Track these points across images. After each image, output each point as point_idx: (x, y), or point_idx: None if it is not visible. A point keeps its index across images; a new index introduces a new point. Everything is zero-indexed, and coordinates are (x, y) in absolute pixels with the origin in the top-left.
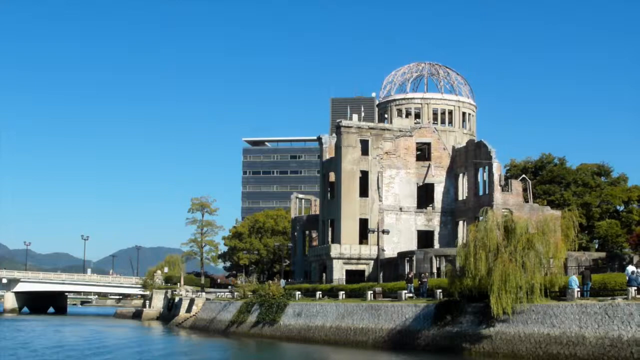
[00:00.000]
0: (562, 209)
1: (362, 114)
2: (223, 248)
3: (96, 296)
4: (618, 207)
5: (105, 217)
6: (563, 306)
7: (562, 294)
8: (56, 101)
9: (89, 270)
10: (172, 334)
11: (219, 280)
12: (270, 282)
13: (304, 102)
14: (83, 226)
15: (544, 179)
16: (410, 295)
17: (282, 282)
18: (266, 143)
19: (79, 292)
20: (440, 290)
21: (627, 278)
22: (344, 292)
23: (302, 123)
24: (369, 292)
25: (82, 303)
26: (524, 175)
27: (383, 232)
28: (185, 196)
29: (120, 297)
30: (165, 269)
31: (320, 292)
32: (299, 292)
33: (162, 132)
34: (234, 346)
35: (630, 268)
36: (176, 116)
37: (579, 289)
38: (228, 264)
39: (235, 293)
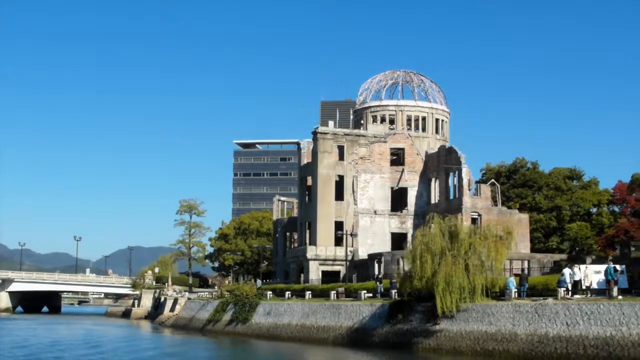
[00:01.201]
0: (533, 212)
1: (351, 117)
2: (210, 249)
3: (93, 296)
4: (591, 210)
5: (104, 216)
6: (500, 305)
7: (502, 294)
8: (53, 100)
9: (87, 270)
10: (150, 331)
11: (210, 281)
12: (244, 282)
13: (294, 105)
14: (83, 226)
15: (517, 183)
16: (370, 295)
17: (259, 282)
18: (257, 145)
19: (76, 292)
20: (395, 291)
21: (558, 280)
22: (310, 292)
23: (293, 126)
24: (333, 292)
25: (80, 303)
26: (493, 180)
27: (351, 235)
28: (181, 196)
29: (117, 297)
30: (157, 269)
31: (290, 292)
32: (271, 292)
33: (158, 132)
34: (201, 343)
35: (567, 270)
36: (170, 118)
37: (516, 290)
38: (215, 264)
39: (213, 293)
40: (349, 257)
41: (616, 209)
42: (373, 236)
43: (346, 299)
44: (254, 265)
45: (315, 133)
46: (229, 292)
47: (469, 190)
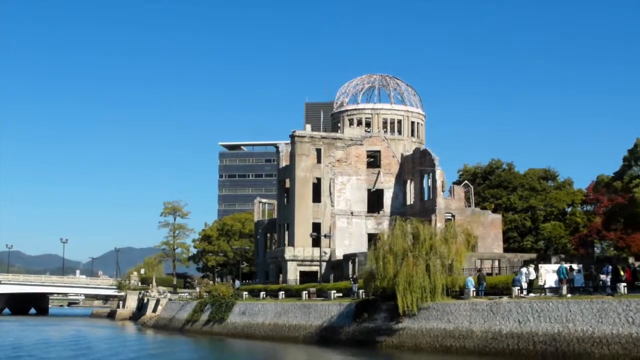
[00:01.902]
0: (508, 212)
1: (329, 120)
2: (194, 250)
3: (83, 297)
4: (566, 210)
5: (96, 218)
6: (458, 304)
7: (462, 293)
8: (39, 107)
9: (77, 271)
10: (128, 332)
11: (196, 281)
12: (221, 283)
13: (279, 107)
14: (74, 227)
15: (493, 184)
16: (340, 295)
17: (237, 282)
18: (242, 147)
19: (66, 294)
20: (362, 290)
21: (512, 279)
22: (284, 292)
23: (278, 127)
24: (304, 293)
25: (70, 304)
26: (466, 181)
27: (325, 236)
28: (170, 198)
29: (106, 298)
30: (142, 271)
31: (265, 292)
32: (247, 293)
33: (145, 135)
34: (177, 342)
35: (524, 270)
36: (156, 121)
37: (474, 289)
38: (199, 265)
39: (193, 294)
40: (326, 258)
41: (590, 208)
42: (350, 237)
43: (317, 298)
44: (236, 266)
45: (292, 136)
46: (207, 293)
47: (443, 191)
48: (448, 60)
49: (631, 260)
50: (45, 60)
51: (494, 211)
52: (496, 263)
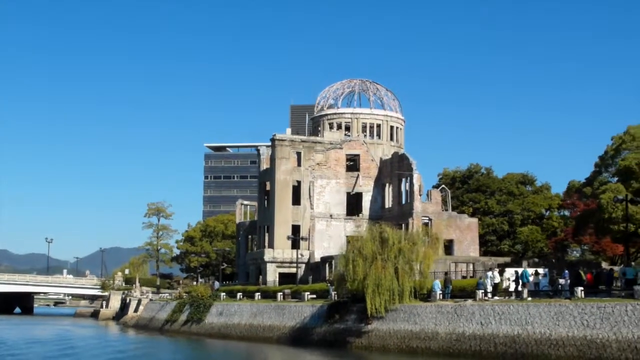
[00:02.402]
0: (486, 216)
1: (309, 123)
2: (177, 251)
3: (70, 297)
4: (544, 214)
5: (85, 217)
6: (425, 306)
7: (429, 295)
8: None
9: (64, 271)
10: (105, 331)
11: (181, 282)
12: (199, 284)
13: (265, 109)
14: (62, 226)
15: (471, 188)
16: (313, 296)
17: (217, 284)
18: (227, 149)
19: (52, 293)
20: (335, 292)
21: (477, 283)
22: (260, 293)
23: (264, 129)
24: (279, 294)
25: (56, 304)
26: (443, 186)
27: (302, 239)
28: (154, 198)
29: (93, 298)
30: (127, 271)
31: (241, 293)
32: (224, 294)
33: (133, 137)
34: (154, 342)
35: (489, 273)
36: (143, 122)
37: (441, 292)
38: (183, 266)
39: (173, 294)
40: (305, 260)
41: (567, 213)
42: (329, 239)
43: (292, 300)
44: (218, 267)
45: (273, 140)
46: (187, 294)
47: (420, 195)
48: (432, 65)
49: (604, 264)
50: (29, 61)
51: (472, 215)
52: (471, 266)
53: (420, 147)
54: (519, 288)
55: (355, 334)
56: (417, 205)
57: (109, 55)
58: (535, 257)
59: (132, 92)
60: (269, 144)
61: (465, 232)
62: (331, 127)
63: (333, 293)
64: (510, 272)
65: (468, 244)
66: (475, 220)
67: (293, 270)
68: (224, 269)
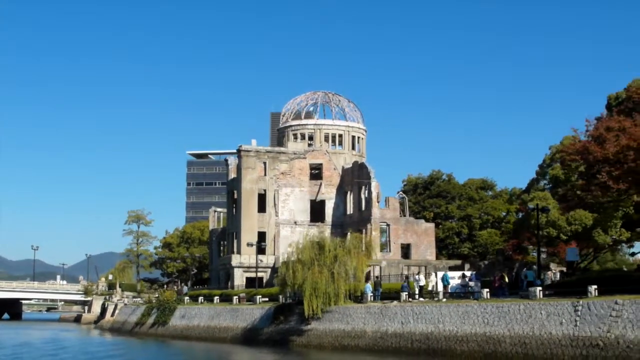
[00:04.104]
0: (447, 220)
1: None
2: (156, 257)
3: (62, 302)
4: (503, 217)
5: (80, 223)
6: (356, 308)
7: (362, 298)
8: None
9: (58, 276)
10: (82, 334)
11: (166, 286)
12: (165, 288)
13: (245, 116)
14: (57, 232)
15: (432, 194)
16: (265, 299)
17: (185, 288)
18: (209, 156)
19: (44, 299)
20: (282, 296)
21: (401, 286)
22: (218, 297)
23: (245, 136)
24: (235, 297)
25: (49, 309)
26: (400, 192)
27: (261, 245)
28: (141, 204)
29: (84, 303)
30: (110, 277)
31: (202, 297)
32: (188, 298)
33: (118, 143)
34: (120, 342)
35: (417, 277)
36: (128, 131)
37: (372, 294)
38: (161, 271)
39: (143, 298)
40: (271, 264)
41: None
42: None
43: (246, 303)
44: (195, 272)
45: (239, 150)
46: (155, 298)
47: (378, 202)
48: (399, 78)
49: (553, 266)
50: (16, 66)
51: (434, 219)
52: (423, 269)
53: (386, 154)
54: (448, 289)
55: (297, 333)
56: (376, 211)
57: (94, 59)
58: (489, 259)
59: (115, 102)
60: (233, 151)
61: (422, 237)
62: (295, 138)
63: (280, 296)
64: (440, 276)
65: (425, 247)
66: (431, 225)
67: (260, 274)
68: (198, 273)
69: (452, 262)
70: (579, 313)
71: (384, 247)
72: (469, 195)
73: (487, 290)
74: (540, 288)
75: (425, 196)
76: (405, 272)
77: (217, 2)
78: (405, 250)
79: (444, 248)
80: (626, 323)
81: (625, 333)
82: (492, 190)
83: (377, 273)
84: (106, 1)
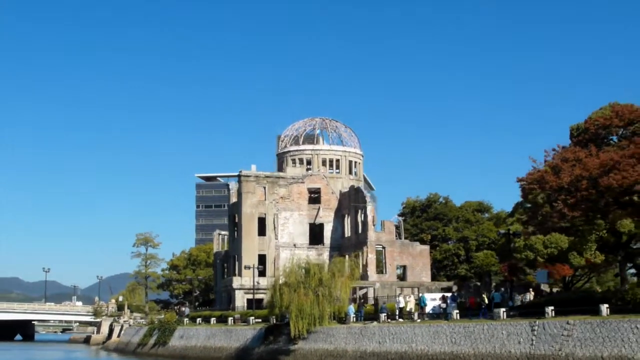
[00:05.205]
0: (444, 242)
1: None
2: (164, 279)
3: (77, 324)
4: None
5: (91, 245)
6: (339, 328)
7: (346, 319)
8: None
9: (73, 298)
10: (92, 354)
11: (178, 308)
12: (166, 310)
13: (253, 139)
14: (72, 255)
15: (429, 216)
16: (259, 320)
17: (186, 310)
18: (218, 178)
19: (61, 321)
20: (274, 317)
21: (380, 307)
22: (216, 318)
23: (253, 159)
24: (230, 319)
25: (64, 330)
26: (396, 215)
27: (257, 268)
28: (152, 227)
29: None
30: (120, 298)
31: (200, 318)
32: (187, 319)
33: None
34: None
35: (399, 299)
36: (140, 153)
37: (354, 315)
38: (168, 293)
39: (145, 320)
40: (270, 286)
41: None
42: None
43: (241, 324)
44: (201, 293)
45: (239, 176)
46: (158, 319)
47: (374, 225)
48: (397, 102)
49: (544, 286)
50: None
51: (431, 241)
52: (416, 290)
53: (386, 177)
54: (429, 310)
55: (285, 352)
56: (371, 234)
57: (104, 81)
58: (485, 280)
59: (134, 124)
60: (230, 182)
61: (417, 259)
62: (294, 163)
63: (271, 317)
64: (424, 297)
65: (420, 269)
66: (426, 247)
67: (260, 295)
68: (204, 294)
69: (446, 284)
70: (535, 333)
71: (380, 268)
72: (466, 218)
73: (457, 311)
74: (504, 309)
75: (423, 219)
76: (399, 294)
77: (236, 27)
78: (402, 272)
79: (442, 269)
80: (576, 342)
81: (574, 351)
82: (488, 212)
83: (371, 294)
84: (120, 23)
